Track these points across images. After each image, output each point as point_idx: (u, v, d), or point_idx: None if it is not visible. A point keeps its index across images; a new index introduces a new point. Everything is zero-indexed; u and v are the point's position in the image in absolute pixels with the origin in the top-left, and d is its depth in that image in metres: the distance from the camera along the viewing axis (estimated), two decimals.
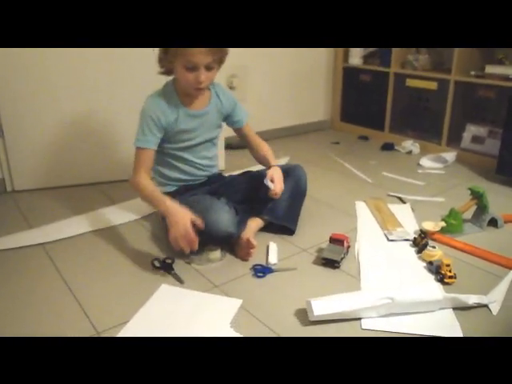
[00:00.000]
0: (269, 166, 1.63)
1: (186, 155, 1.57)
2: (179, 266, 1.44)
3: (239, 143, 1.90)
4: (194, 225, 1.33)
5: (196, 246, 1.33)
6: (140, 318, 1.20)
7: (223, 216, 1.41)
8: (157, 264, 1.42)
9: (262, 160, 1.68)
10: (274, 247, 1.53)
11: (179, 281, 1.37)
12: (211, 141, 1.63)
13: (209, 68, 1.41)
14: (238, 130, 1.69)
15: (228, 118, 1.65)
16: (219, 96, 1.59)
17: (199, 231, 1.40)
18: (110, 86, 2.02)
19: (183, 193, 1.57)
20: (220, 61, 1.45)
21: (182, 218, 1.33)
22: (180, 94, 1.50)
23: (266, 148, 1.69)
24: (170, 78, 1.52)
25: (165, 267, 1.42)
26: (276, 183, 1.54)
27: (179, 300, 1.28)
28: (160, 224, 1.65)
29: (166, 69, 1.47)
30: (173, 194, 1.58)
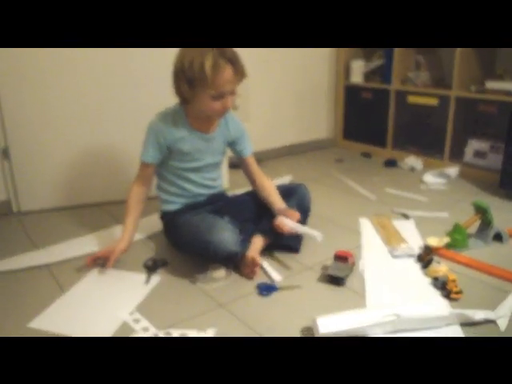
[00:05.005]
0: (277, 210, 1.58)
1: (191, 175, 1.58)
2: (183, 284, 1.44)
3: None
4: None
5: (108, 266, 1.50)
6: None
7: (227, 235, 1.42)
8: (149, 263, 1.55)
9: (265, 199, 1.64)
10: (266, 265, 1.54)
11: (146, 280, 1.46)
12: (215, 164, 1.65)
13: (232, 93, 1.44)
14: (241, 160, 1.70)
15: (232, 145, 1.66)
16: (228, 123, 1.61)
17: (203, 250, 1.41)
18: (117, 108, 2.04)
19: (186, 212, 1.58)
20: (239, 83, 1.47)
21: (117, 245, 1.52)
22: (189, 117, 1.53)
23: (271, 188, 1.65)
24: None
25: (154, 265, 1.54)
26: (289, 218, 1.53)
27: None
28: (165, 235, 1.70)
29: (185, 99, 1.47)
30: (176, 213, 1.59)
